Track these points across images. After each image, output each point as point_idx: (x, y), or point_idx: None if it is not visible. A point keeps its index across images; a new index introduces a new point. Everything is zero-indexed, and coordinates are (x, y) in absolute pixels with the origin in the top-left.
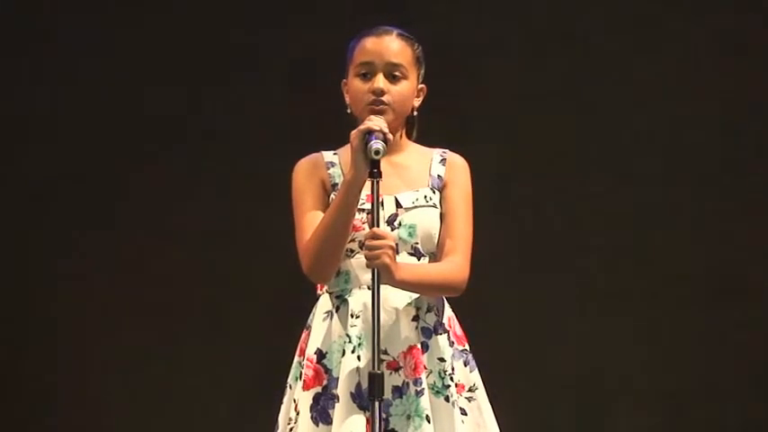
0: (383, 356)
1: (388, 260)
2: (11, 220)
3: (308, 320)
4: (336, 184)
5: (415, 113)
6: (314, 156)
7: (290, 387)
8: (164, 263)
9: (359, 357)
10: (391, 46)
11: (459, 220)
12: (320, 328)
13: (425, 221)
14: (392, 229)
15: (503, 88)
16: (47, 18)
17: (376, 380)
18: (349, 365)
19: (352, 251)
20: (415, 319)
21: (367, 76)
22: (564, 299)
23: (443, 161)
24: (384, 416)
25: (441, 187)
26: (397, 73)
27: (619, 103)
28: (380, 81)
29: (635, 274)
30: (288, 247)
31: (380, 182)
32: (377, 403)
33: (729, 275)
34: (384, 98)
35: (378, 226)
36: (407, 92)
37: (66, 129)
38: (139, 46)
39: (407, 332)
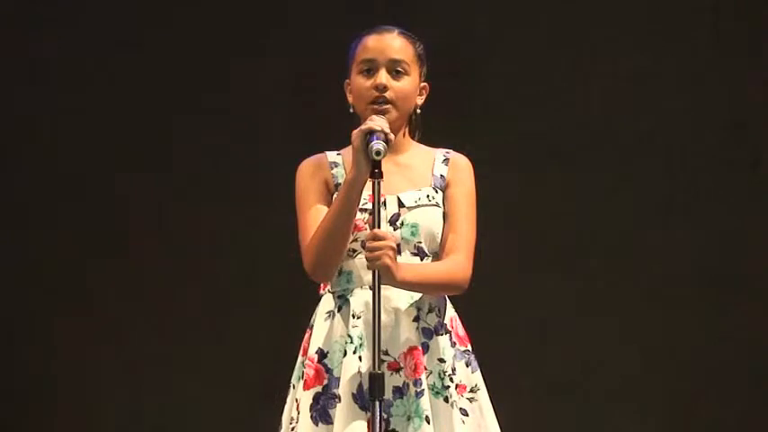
0: (384, 357)
1: (388, 261)
2: (10, 221)
3: (311, 320)
4: (339, 185)
5: (418, 111)
6: (317, 156)
7: (294, 387)
8: (165, 263)
9: (360, 358)
10: (393, 43)
11: (461, 219)
12: (322, 327)
13: (428, 221)
14: (395, 229)
15: (503, 88)
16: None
17: (377, 380)
18: (350, 366)
19: (354, 251)
20: (416, 319)
21: (369, 72)
22: (564, 299)
23: (446, 161)
24: (385, 416)
25: (443, 187)
26: (399, 69)
27: (619, 103)
28: (383, 77)
29: (635, 274)
30: (290, 246)
31: (382, 181)
32: (377, 403)
33: (729, 275)
34: (387, 94)
35: (379, 226)
36: (410, 88)
37: (66, 130)
38: (139, 48)
39: (408, 333)
